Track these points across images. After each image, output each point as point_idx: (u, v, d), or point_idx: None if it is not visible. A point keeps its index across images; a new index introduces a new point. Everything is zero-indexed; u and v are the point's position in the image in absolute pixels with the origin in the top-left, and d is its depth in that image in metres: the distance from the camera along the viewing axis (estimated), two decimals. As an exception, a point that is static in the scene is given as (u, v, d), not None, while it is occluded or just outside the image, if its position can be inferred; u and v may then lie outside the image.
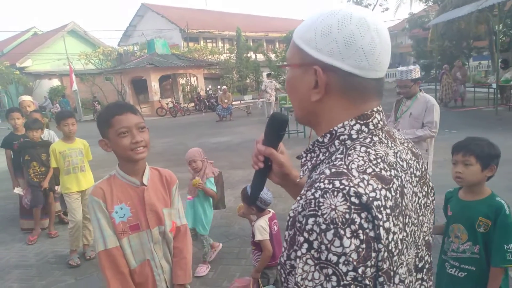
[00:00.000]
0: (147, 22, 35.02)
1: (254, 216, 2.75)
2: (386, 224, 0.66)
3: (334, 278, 0.64)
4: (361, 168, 0.71)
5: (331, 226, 0.64)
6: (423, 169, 0.86)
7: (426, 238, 0.84)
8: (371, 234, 0.65)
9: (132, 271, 1.60)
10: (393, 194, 0.71)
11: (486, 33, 18.70)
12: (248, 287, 2.59)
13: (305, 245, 0.67)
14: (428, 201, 0.86)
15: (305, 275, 0.67)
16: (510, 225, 1.74)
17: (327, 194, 0.66)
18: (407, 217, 0.74)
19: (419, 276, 0.82)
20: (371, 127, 0.79)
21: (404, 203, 0.73)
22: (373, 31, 0.75)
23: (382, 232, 0.66)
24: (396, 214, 0.70)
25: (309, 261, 0.66)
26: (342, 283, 0.64)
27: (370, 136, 0.78)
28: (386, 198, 0.68)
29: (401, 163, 0.79)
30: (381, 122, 0.81)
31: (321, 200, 0.66)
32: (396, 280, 0.70)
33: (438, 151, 4.42)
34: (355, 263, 0.63)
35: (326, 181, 0.68)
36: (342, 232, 0.63)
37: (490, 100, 13.11)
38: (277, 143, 0.99)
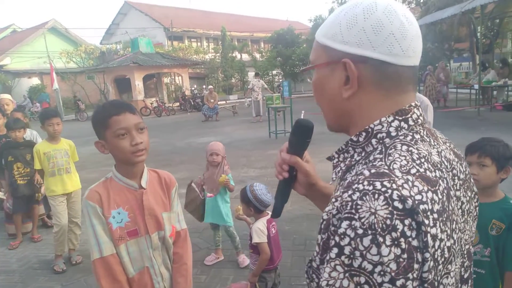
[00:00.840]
0: (130, 20, 34.55)
1: (252, 218, 2.69)
2: (433, 230, 0.61)
3: (366, 287, 0.59)
4: (404, 168, 0.65)
5: (369, 232, 0.58)
6: (467, 172, 0.80)
7: (467, 247, 0.77)
8: (414, 243, 0.59)
9: (130, 279, 1.50)
10: (440, 197, 0.65)
11: (467, 35, 19.11)
12: None
13: (335, 250, 0.62)
14: (471, 208, 0.80)
15: (332, 281, 0.62)
16: None
17: (367, 197, 0.61)
18: (454, 222, 0.67)
19: (464, 287, 0.76)
20: (410, 123, 0.73)
21: (451, 207, 0.68)
22: (401, 16, 0.71)
23: (429, 239, 0.60)
24: (444, 219, 0.64)
25: (338, 268, 0.61)
26: None
27: (411, 133, 0.73)
28: (433, 202, 0.62)
29: (445, 163, 0.74)
30: (420, 118, 0.76)
31: (359, 202, 0.61)
32: None
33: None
34: (393, 274, 0.57)
35: (366, 182, 0.63)
36: (381, 239, 0.58)
37: (472, 101, 13.39)
38: (302, 151, 0.94)
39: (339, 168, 0.80)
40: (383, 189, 0.61)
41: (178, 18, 33.76)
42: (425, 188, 0.63)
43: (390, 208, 0.59)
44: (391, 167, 0.65)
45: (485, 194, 1.82)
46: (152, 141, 11.32)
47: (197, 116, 17.66)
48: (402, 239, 0.58)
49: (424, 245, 0.60)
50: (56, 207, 3.75)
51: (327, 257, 0.63)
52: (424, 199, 0.61)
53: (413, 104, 0.75)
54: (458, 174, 0.77)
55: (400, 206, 0.59)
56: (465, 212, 0.77)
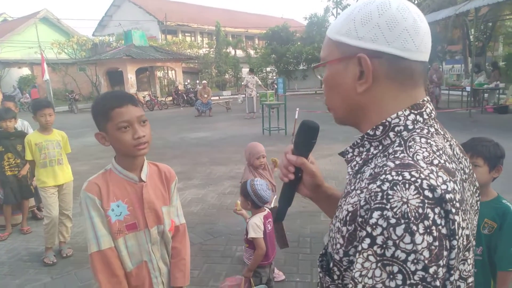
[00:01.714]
0: (124, 13, 34.14)
1: (249, 213, 2.67)
2: (457, 219, 0.63)
3: (399, 276, 0.59)
4: (428, 159, 0.66)
5: (402, 221, 0.59)
6: (470, 167, 0.82)
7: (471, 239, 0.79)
8: (444, 231, 0.61)
9: (128, 273, 1.47)
10: (459, 187, 0.67)
11: (460, 38, 19.29)
12: (239, 286, 2.50)
13: (367, 240, 0.62)
14: (473, 202, 0.82)
15: (365, 272, 0.62)
16: None
17: (397, 187, 0.61)
18: (468, 212, 0.69)
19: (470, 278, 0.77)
20: (425, 116, 0.76)
21: (465, 198, 0.70)
22: (414, 13, 0.74)
23: (456, 227, 0.62)
24: (463, 208, 0.66)
25: (371, 258, 0.62)
26: (408, 282, 0.59)
27: (426, 126, 0.75)
28: (455, 191, 0.64)
29: (456, 156, 0.77)
30: (433, 112, 0.78)
31: (390, 192, 0.61)
32: (456, 276, 0.66)
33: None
34: (426, 261, 0.59)
35: (394, 173, 0.64)
36: (414, 227, 0.59)
37: (463, 103, 13.53)
38: (308, 152, 0.93)
39: (354, 162, 0.81)
40: (413, 179, 0.62)
41: (173, 11, 33.48)
42: (448, 178, 0.65)
43: (421, 197, 0.60)
44: (415, 158, 0.66)
45: None
46: (145, 135, 11.25)
47: (190, 111, 17.56)
48: (433, 227, 0.60)
49: (452, 233, 0.62)
50: (47, 198, 3.69)
51: (359, 248, 0.64)
52: (449, 189, 0.63)
53: (425, 99, 0.78)
54: (464, 169, 0.79)
55: (430, 195, 0.61)
56: (469, 206, 0.78)
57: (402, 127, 0.74)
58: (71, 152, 4.01)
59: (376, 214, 0.62)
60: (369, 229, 0.62)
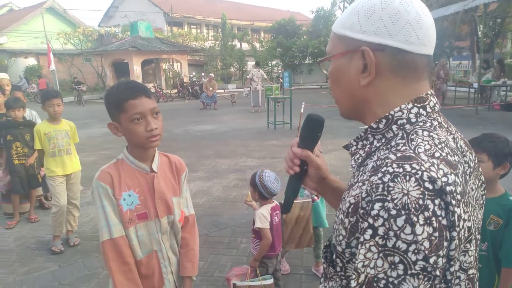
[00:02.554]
0: (130, 4, 34.05)
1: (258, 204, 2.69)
2: (458, 210, 0.64)
3: (401, 266, 0.61)
4: (429, 152, 0.68)
5: (402, 212, 0.60)
6: (475, 161, 0.83)
7: (476, 233, 0.80)
8: (444, 222, 0.62)
9: (138, 262, 1.50)
10: (461, 179, 0.68)
11: (468, 34, 19.10)
12: (246, 275, 2.54)
13: (369, 231, 0.64)
14: (478, 196, 0.83)
15: (367, 262, 0.64)
16: None
17: (398, 178, 0.63)
18: (470, 205, 0.70)
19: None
20: (428, 110, 0.76)
21: (467, 190, 0.71)
22: (417, 7, 0.75)
23: (456, 219, 0.63)
24: (465, 200, 0.67)
25: (373, 248, 0.63)
26: (409, 272, 0.61)
27: (429, 120, 0.76)
28: (456, 184, 0.65)
29: (460, 149, 0.78)
30: (437, 105, 0.79)
31: (391, 184, 0.63)
32: (457, 267, 0.68)
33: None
34: (426, 252, 0.60)
35: (395, 165, 0.65)
36: (414, 218, 0.60)
37: (470, 99, 13.44)
38: (313, 145, 0.94)
39: (358, 155, 0.82)
40: (413, 171, 0.63)
41: (179, 3, 33.34)
42: (449, 171, 0.66)
43: (421, 189, 0.61)
44: (416, 151, 0.67)
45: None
46: (150, 127, 11.29)
47: (195, 103, 17.58)
48: (433, 218, 0.61)
49: (452, 224, 0.63)
50: (55, 187, 3.73)
51: (361, 239, 0.65)
52: (450, 181, 0.64)
53: (429, 92, 0.78)
54: (469, 162, 0.80)
55: (431, 187, 0.62)
56: (474, 199, 0.79)
57: (405, 120, 0.75)
58: (78, 142, 4.04)
59: (377, 205, 0.63)
60: (370, 220, 0.64)
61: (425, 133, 0.72)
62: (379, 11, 0.74)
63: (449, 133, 0.77)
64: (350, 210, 0.71)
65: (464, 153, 0.79)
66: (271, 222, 2.55)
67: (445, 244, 0.62)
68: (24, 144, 4.39)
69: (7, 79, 5.27)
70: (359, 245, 0.65)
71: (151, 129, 1.41)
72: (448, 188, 0.63)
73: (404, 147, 0.70)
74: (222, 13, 29.85)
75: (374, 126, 0.79)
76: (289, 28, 28.50)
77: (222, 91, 21.49)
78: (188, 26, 34.84)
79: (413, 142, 0.70)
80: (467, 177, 0.74)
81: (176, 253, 1.63)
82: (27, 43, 24.29)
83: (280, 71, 25.43)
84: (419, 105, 0.76)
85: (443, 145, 0.71)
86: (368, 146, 0.80)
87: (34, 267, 3.45)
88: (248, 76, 15.78)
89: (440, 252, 0.61)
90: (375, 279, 0.63)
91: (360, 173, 0.77)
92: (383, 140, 0.77)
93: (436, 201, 0.61)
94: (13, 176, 4.40)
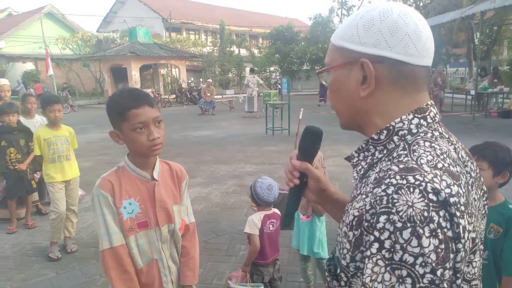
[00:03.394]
0: (128, 9, 34.16)
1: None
2: (462, 222, 0.63)
3: (408, 280, 0.60)
4: (431, 163, 0.67)
5: (408, 225, 0.60)
6: (477, 171, 0.83)
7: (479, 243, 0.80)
8: (449, 234, 0.61)
9: (139, 270, 1.49)
10: (464, 190, 0.68)
11: (465, 41, 19.23)
12: (239, 279, 2.54)
13: (376, 245, 0.63)
14: (480, 206, 0.83)
15: (375, 276, 0.63)
16: None
17: (402, 190, 0.62)
18: (473, 216, 0.70)
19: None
20: (429, 120, 0.77)
21: (470, 201, 0.71)
22: (416, 19, 0.75)
23: (461, 230, 0.62)
24: (469, 211, 0.66)
25: (380, 262, 0.62)
26: (417, 285, 0.60)
27: (430, 130, 0.76)
28: (459, 195, 0.65)
29: (462, 159, 0.78)
30: (437, 116, 0.79)
31: (395, 196, 0.62)
32: (460, 279, 0.66)
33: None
34: (433, 264, 0.59)
35: (398, 177, 0.64)
36: (420, 231, 0.60)
37: (467, 106, 13.50)
38: (312, 157, 0.94)
39: (360, 167, 0.82)
40: (417, 183, 0.62)
41: (177, 9, 33.46)
42: (452, 182, 0.65)
43: (426, 201, 0.61)
44: (418, 162, 0.67)
45: None
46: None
47: (193, 109, 17.60)
48: (439, 230, 0.60)
49: (457, 236, 0.62)
50: (54, 194, 3.71)
51: (368, 253, 0.64)
52: (453, 192, 0.64)
53: (429, 102, 0.79)
54: (470, 172, 0.80)
55: (435, 198, 0.61)
56: (476, 209, 0.79)
57: (406, 131, 0.75)
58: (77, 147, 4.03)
59: (382, 218, 0.63)
60: (376, 233, 0.63)
61: (427, 143, 0.72)
62: (378, 23, 0.74)
63: (450, 144, 0.77)
64: (354, 223, 0.70)
65: (465, 163, 0.79)
66: (261, 230, 2.53)
67: (451, 256, 0.61)
68: (18, 150, 4.35)
69: (8, 85, 5.25)
70: (366, 259, 0.64)
71: (153, 139, 1.41)
72: (452, 200, 0.62)
73: (406, 158, 0.69)
74: (221, 19, 29.98)
75: (376, 137, 0.79)
76: (287, 35, 28.64)
77: (220, 96, 21.53)
78: (186, 32, 34.93)
79: (415, 153, 0.70)
80: (469, 187, 0.74)
81: (177, 262, 1.62)
82: (25, 48, 24.27)
83: (278, 77, 25.49)
84: (419, 116, 0.76)
85: (445, 155, 0.70)
86: (370, 157, 0.80)
87: (31, 274, 3.42)
88: (244, 83, 15.84)
89: (447, 265, 0.61)
90: None
91: (363, 185, 0.77)
92: (385, 151, 0.77)
93: (441, 213, 0.61)
94: (8, 182, 4.38)
